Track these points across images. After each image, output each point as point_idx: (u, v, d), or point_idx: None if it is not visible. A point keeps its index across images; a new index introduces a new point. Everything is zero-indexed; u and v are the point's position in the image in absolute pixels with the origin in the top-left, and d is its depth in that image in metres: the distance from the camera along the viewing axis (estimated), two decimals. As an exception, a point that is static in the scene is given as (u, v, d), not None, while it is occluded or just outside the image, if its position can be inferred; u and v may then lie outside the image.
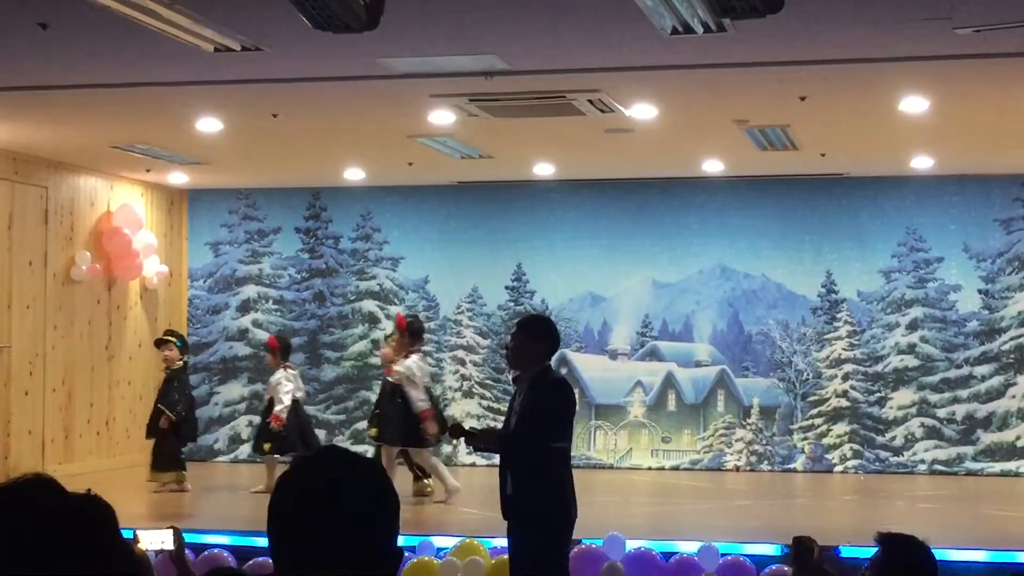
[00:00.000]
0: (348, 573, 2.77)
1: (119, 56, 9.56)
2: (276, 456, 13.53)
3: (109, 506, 2.24)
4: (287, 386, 13.60)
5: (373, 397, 16.96)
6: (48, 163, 14.54)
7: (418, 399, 12.82)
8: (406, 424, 12.73)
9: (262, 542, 10.05)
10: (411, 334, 13.13)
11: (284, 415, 13.52)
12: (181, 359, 14.03)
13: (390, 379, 13.16)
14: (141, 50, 9.32)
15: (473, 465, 16.49)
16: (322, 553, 2.81)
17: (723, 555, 9.96)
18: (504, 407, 16.66)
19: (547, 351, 7.90)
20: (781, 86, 10.55)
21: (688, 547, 10.20)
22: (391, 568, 2.93)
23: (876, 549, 5.45)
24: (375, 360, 16.99)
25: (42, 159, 14.38)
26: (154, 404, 13.96)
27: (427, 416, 12.76)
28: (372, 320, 17.11)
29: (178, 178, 16.26)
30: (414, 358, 13.02)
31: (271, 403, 13.77)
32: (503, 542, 9.77)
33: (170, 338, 14.20)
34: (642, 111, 11.51)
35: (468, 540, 9.59)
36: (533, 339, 7.82)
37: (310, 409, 17.10)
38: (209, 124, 12.18)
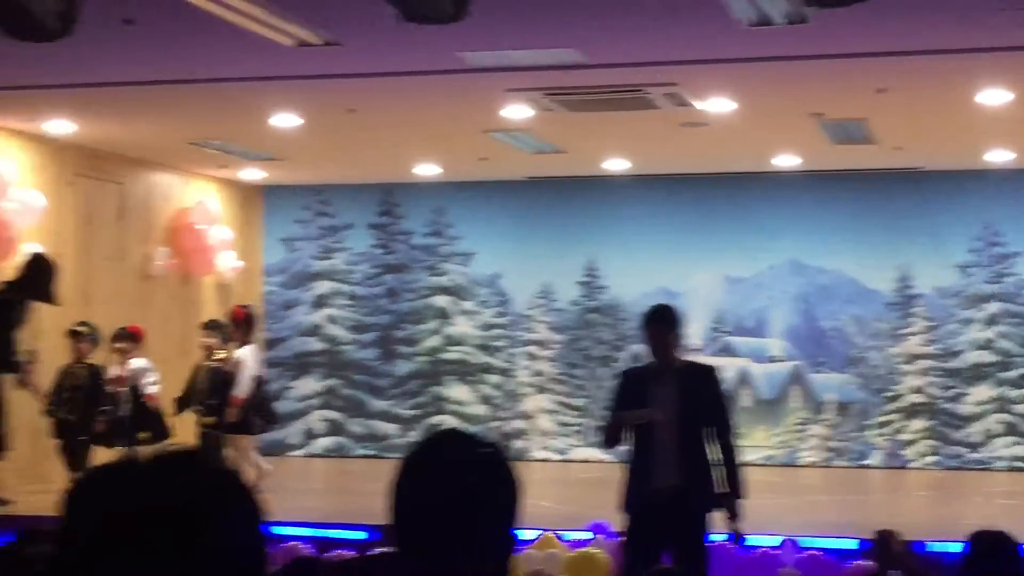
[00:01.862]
0: (467, 555, 2.80)
1: (200, 52, 9.66)
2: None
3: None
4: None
5: (446, 392, 17.06)
6: (125, 160, 14.70)
7: (243, 385, 12.75)
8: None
9: (340, 534, 10.12)
10: (248, 326, 13.11)
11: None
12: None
13: (223, 368, 12.95)
14: (222, 46, 9.42)
15: (546, 461, 16.52)
16: (442, 534, 2.84)
17: (803, 549, 9.91)
18: (576, 402, 16.71)
19: (681, 338, 7.81)
20: (859, 78, 10.48)
21: (768, 541, 10.15)
22: (507, 553, 2.95)
23: (966, 545, 5.41)
24: (448, 355, 17.06)
25: (119, 156, 14.52)
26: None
27: (238, 403, 12.68)
28: (444, 315, 17.16)
29: (253, 174, 16.38)
30: (248, 348, 12.96)
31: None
32: (580, 535, 9.80)
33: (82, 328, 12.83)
34: (717, 104, 11.48)
35: (548, 534, 9.60)
36: (672, 327, 7.70)
37: (382, 404, 17.21)
38: (285, 120, 12.26)
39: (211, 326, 13.21)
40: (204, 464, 1.95)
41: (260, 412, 12.88)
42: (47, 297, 11.60)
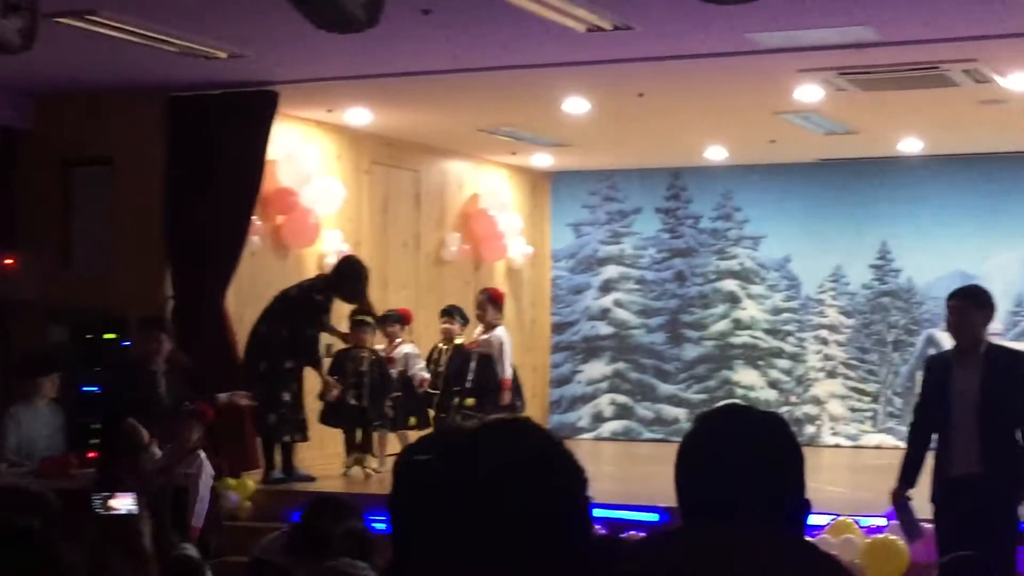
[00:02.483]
0: (758, 517, 2.81)
1: (494, 39, 9.84)
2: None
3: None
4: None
5: (734, 376, 16.97)
6: (419, 147, 15.07)
7: (508, 366, 12.76)
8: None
9: (632, 516, 10.18)
10: (502, 306, 13.13)
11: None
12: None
13: (479, 350, 12.92)
14: (515, 33, 9.58)
15: (837, 447, 16.28)
16: (733, 498, 2.85)
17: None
18: (868, 388, 16.39)
19: (989, 321, 7.60)
20: None
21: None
22: (800, 516, 2.94)
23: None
24: (736, 339, 16.96)
25: (414, 144, 14.90)
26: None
27: (507, 385, 12.73)
28: (733, 300, 17.05)
29: (542, 160, 16.59)
30: (503, 329, 12.97)
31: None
32: (875, 521, 9.63)
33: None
34: (1020, 81, 11.08)
35: (842, 519, 9.47)
36: (979, 308, 7.51)
37: (670, 388, 17.24)
38: (576, 105, 12.37)
39: (450, 311, 13.33)
40: (532, 432, 2.01)
41: (519, 394, 13.12)
42: (358, 299, 11.98)
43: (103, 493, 6.22)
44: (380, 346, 12.57)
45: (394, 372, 12.51)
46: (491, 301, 13.13)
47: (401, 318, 12.96)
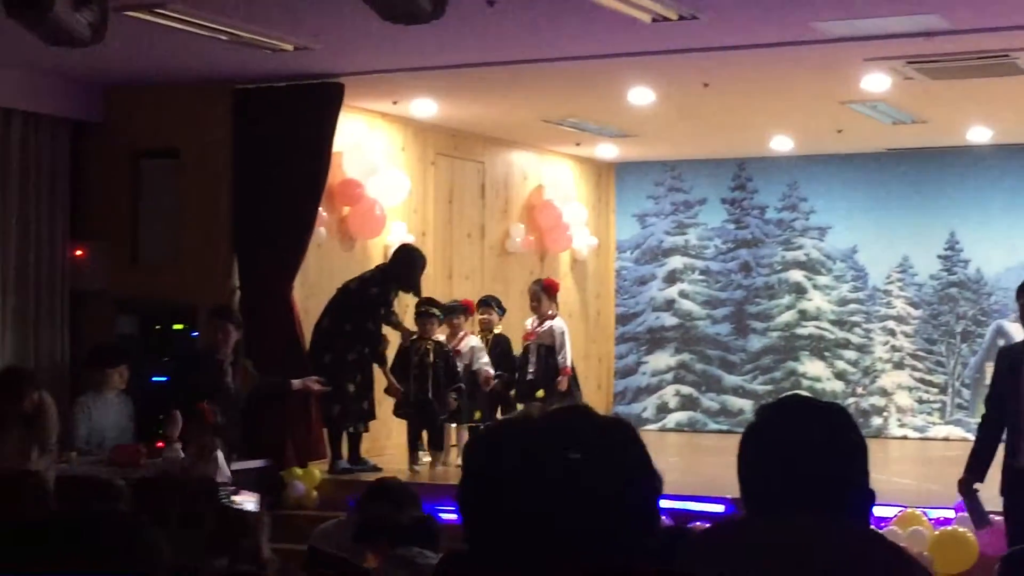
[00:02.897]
0: (822, 507, 2.80)
1: (559, 30, 9.84)
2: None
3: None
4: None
5: (800, 368, 16.87)
6: (484, 139, 15.09)
7: (568, 354, 12.86)
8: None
9: (698, 507, 10.16)
10: (556, 296, 13.12)
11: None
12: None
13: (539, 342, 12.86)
14: (580, 23, 9.57)
15: (904, 438, 16.16)
16: (796, 488, 2.85)
17: None
18: (936, 379, 16.25)
19: None
20: None
21: None
22: (865, 506, 2.93)
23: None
24: (802, 330, 16.86)
25: (479, 135, 14.93)
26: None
27: (568, 373, 12.79)
28: (799, 290, 16.96)
29: (606, 151, 16.56)
30: (560, 319, 13.03)
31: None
32: (944, 513, 9.56)
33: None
34: (1091, 68, 10.95)
35: (911, 510, 9.41)
36: None
37: (735, 379, 17.17)
38: (641, 96, 12.34)
39: (488, 301, 13.16)
40: (596, 416, 2.02)
41: (576, 384, 13.11)
42: (413, 287, 11.98)
43: (230, 487, 6.38)
44: (441, 337, 12.46)
45: (460, 365, 12.40)
46: (545, 291, 13.12)
47: (465, 309, 12.88)
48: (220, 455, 9.49)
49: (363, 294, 11.69)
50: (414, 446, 12.21)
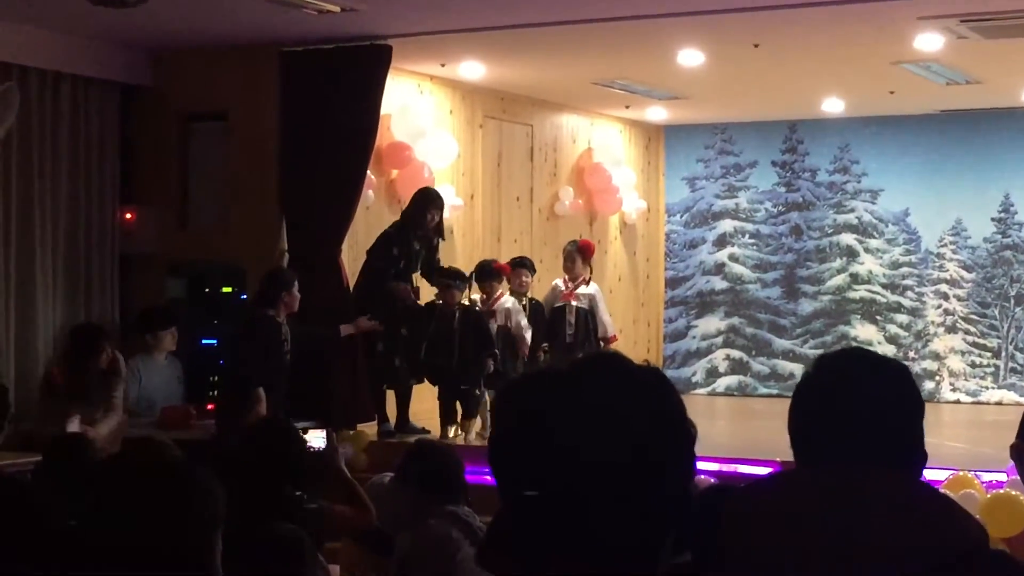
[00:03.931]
0: (873, 462, 2.76)
1: (607, -10, 9.76)
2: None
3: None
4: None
5: (852, 332, 16.75)
6: (533, 102, 15.02)
7: (609, 320, 12.86)
8: None
9: (746, 469, 10.12)
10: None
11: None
12: None
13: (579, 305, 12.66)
14: (629, -17, 9.49)
15: (957, 403, 16.04)
16: (849, 441, 2.81)
17: None
18: (989, 343, 16.10)
19: None
20: None
21: None
22: (916, 466, 2.88)
23: None
24: (853, 294, 16.74)
25: (527, 98, 14.86)
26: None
27: (615, 340, 12.76)
28: (851, 254, 16.83)
29: (656, 114, 16.46)
30: (595, 285, 12.89)
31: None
32: (996, 476, 9.47)
33: None
34: None
35: (962, 473, 9.33)
36: None
37: (785, 343, 17.08)
38: (691, 57, 12.24)
39: (522, 263, 12.52)
40: (630, 363, 1.98)
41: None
42: (419, 227, 11.55)
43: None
44: (475, 296, 11.99)
45: (494, 327, 11.75)
46: (580, 252, 12.87)
47: (498, 273, 12.12)
48: None
49: (376, 246, 11.61)
50: (445, 419, 11.70)
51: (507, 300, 12.07)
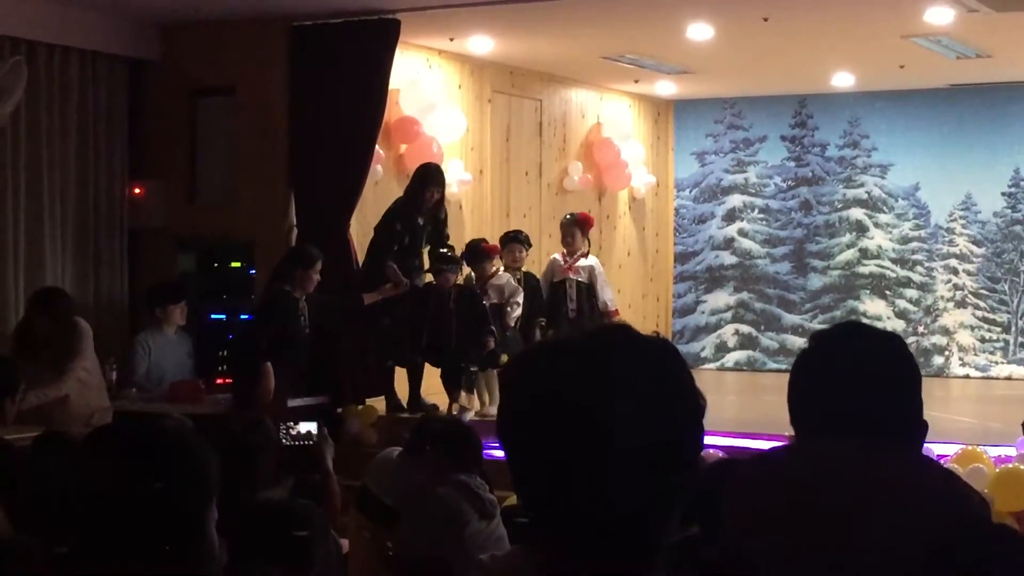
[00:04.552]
0: (873, 434, 2.76)
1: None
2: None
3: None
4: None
5: (861, 307, 16.73)
6: (542, 76, 14.99)
7: (609, 294, 12.80)
8: None
9: (753, 444, 10.12)
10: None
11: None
12: None
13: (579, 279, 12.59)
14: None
15: (967, 377, 16.03)
16: (847, 414, 2.81)
17: None
18: (999, 318, 16.08)
19: None
20: None
21: None
22: (916, 436, 2.88)
23: None
24: (863, 269, 16.72)
25: (536, 72, 14.82)
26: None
27: (616, 314, 12.57)
28: (860, 229, 16.80)
29: (665, 88, 16.42)
30: (594, 258, 12.86)
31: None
32: (1005, 451, 9.47)
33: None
34: None
35: (971, 448, 9.32)
36: None
37: (794, 318, 17.07)
38: (700, 31, 12.20)
39: (515, 238, 12.37)
40: (636, 333, 1.98)
41: None
42: (417, 202, 11.45)
43: (287, 423, 6.55)
44: (468, 272, 11.92)
45: (488, 304, 11.64)
46: (579, 226, 12.80)
47: (487, 253, 11.97)
48: None
49: (382, 221, 11.59)
50: (451, 397, 11.57)
51: (501, 277, 12.01)
